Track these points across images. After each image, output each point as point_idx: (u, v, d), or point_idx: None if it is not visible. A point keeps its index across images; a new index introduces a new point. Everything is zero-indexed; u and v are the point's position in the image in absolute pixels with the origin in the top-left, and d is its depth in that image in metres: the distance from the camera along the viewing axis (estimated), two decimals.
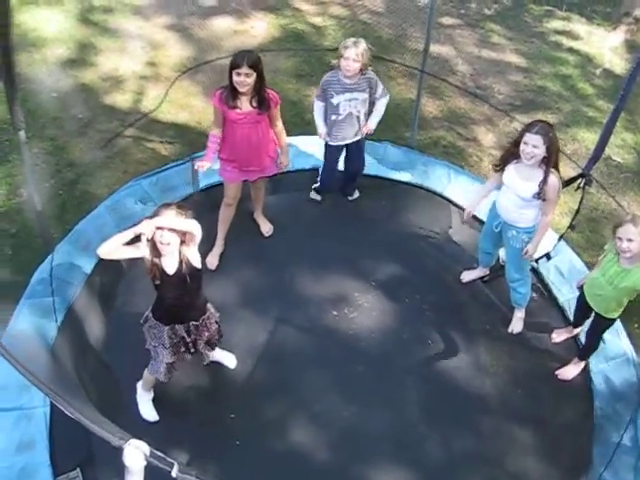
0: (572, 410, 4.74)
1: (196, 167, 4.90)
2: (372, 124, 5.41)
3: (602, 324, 4.58)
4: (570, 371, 4.88)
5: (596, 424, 4.66)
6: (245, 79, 4.51)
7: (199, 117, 6.61)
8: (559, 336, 5.09)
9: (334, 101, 5.20)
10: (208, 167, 4.88)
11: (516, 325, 5.15)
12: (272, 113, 4.82)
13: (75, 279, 5.10)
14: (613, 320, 4.54)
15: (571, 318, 5.13)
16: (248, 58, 4.48)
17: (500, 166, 4.66)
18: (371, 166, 6.15)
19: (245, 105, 4.68)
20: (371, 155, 6.19)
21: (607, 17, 8.66)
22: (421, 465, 4.41)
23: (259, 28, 7.80)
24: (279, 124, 4.98)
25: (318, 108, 5.37)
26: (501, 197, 4.74)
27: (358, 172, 5.83)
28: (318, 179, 5.86)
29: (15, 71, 3.77)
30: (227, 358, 4.71)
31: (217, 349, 4.60)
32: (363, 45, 5.02)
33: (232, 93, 4.63)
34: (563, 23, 8.53)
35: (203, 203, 5.63)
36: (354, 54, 4.97)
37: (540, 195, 4.44)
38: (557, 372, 4.89)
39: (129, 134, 6.36)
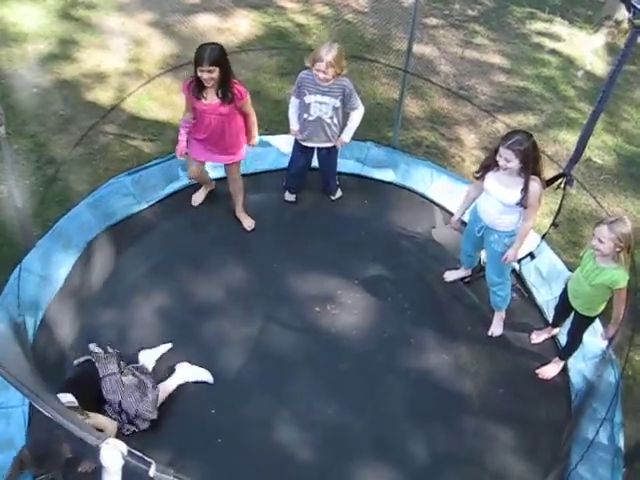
0: (551, 409, 4.77)
1: (178, 156, 5.13)
2: (346, 137, 5.39)
3: (581, 323, 4.62)
4: (550, 370, 4.92)
5: (575, 422, 4.69)
6: (209, 75, 4.59)
7: (182, 114, 6.57)
8: (538, 337, 5.13)
9: (306, 100, 5.20)
10: (184, 150, 5.11)
11: (496, 328, 5.17)
12: (240, 106, 4.90)
13: (55, 276, 5.07)
14: (591, 319, 4.58)
15: (549, 319, 5.17)
16: (209, 56, 4.53)
17: (480, 174, 4.67)
18: (354, 166, 6.16)
19: (211, 96, 4.78)
20: (354, 155, 6.21)
21: (589, 20, 8.74)
22: (402, 463, 4.42)
23: (242, 26, 7.78)
24: (250, 115, 5.07)
25: (293, 105, 5.37)
26: (482, 202, 4.74)
27: (328, 180, 5.84)
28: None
29: None
30: (203, 375, 4.66)
31: (189, 370, 4.61)
32: (334, 52, 4.91)
33: (198, 85, 4.73)
34: (545, 25, 8.59)
35: (188, 198, 5.66)
36: (325, 64, 4.90)
37: (522, 202, 4.46)
38: (537, 371, 4.93)
39: (111, 131, 6.33)
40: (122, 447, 1.67)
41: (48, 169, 5.79)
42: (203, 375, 4.64)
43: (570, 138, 6.81)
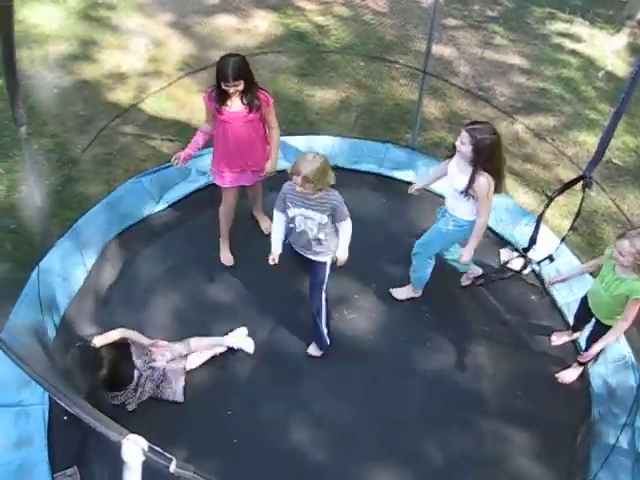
0: (570, 413, 4.73)
1: (174, 162, 4.92)
2: (342, 253, 4.47)
3: (602, 331, 4.57)
4: (569, 375, 4.88)
5: (594, 427, 4.66)
6: (235, 88, 4.50)
7: (201, 115, 6.57)
8: (559, 339, 5.09)
9: (289, 213, 4.41)
10: (186, 159, 4.91)
11: (399, 294, 5.25)
12: (265, 113, 4.75)
13: (74, 276, 5.10)
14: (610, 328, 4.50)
15: (570, 321, 5.13)
16: (233, 71, 4.41)
17: (451, 152, 4.63)
18: (372, 166, 6.15)
19: (235, 104, 4.64)
20: (372, 155, 6.20)
21: (610, 20, 8.67)
22: (419, 466, 4.41)
23: (261, 27, 7.80)
24: (274, 127, 4.87)
25: (276, 221, 4.53)
26: (446, 184, 4.75)
27: (311, 295, 4.69)
28: None
29: (17, 67, 3.76)
30: (247, 345, 4.84)
31: (234, 335, 4.81)
32: (313, 166, 4.07)
33: (221, 96, 4.59)
34: (566, 25, 8.53)
35: (206, 199, 5.66)
36: (300, 178, 4.09)
37: (467, 191, 4.42)
38: (557, 375, 4.89)
39: (130, 131, 6.37)
40: (143, 443, 1.68)
41: (68, 169, 5.83)
42: (246, 343, 4.84)
43: (590, 140, 6.75)
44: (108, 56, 7.17)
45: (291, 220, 4.44)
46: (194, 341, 4.70)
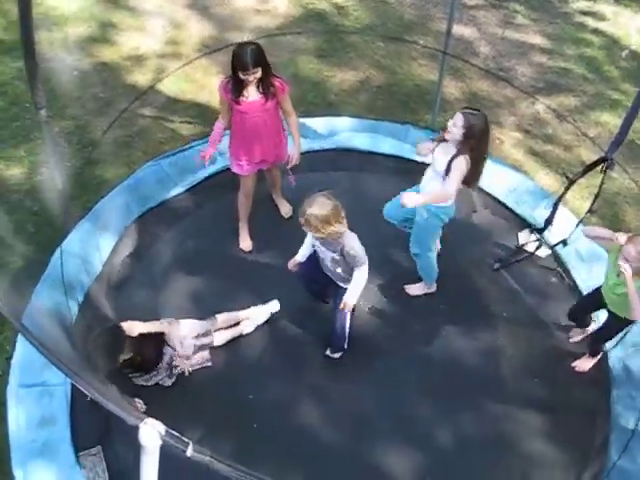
0: (589, 396, 4.72)
1: (197, 161, 4.96)
2: (349, 299, 4.26)
3: (613, 323, 4.52)
4: (586, 363, 4.84)
5: (613, 411, 4.64)
6: (253, 76, 4.45)
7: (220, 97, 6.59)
8: (575, 336, 5.05)
9: (308, 238, 4.43)
10: (210, 157, 4.91)
11: (413, 290, 5.24)
12: (283, 100, 4.72)
13: (95, 258, 5.15)
14: (624, 320, 4.41)
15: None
16: (251, 58, 4.36)
17: (442, 137, 4.57)
18: (393, 147, 6.12)
19: (252, 94, 4.60)
20: (393, 137, 6.16)
21: None
22: (437, 450, 4.43)
23: (280, 7, 7.75)
24: (292, 113, 4.84)
25: (309, 235, 4.38)
26: (427, 169, 4.69)
27: (338, 328, 4.61)
28: None
29: (36, 50, 3.77)
30: (273, 307, 4.97)
31: (258, 309, 4.93)
32: (319, 213, 3.88)
33: (238, 86, 4.55)
34: (589, 4, 8.37)
35: (225, 182, 5.67)
36: (303, 219, 3.95)
37: (447, 170, 4.39)
38: (574, 364, 4.86)
39: (149, 114, 6.38)
40: (160, 427, 1.70)
41: (88, 152, 5.86)
42: (273, 306, 4.96)
43: (613, 120, 6.65)
44: (127, 38, 7.17)
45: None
46: (221, 317, 4.78)
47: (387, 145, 6.13)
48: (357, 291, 4.27)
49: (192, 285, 5.14)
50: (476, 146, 4.34)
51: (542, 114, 6.78)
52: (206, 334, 4.66)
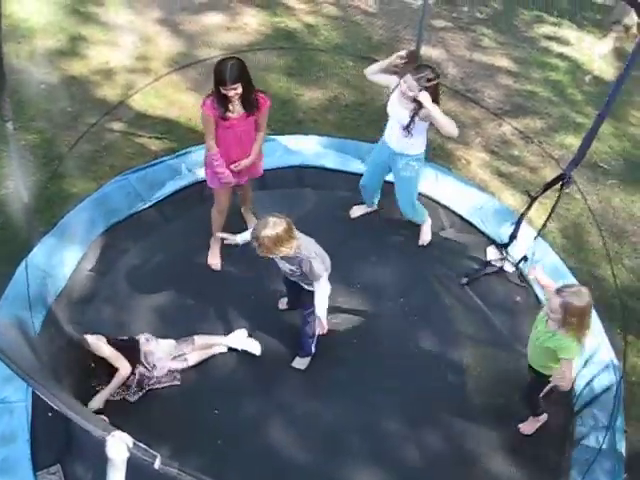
0: (553, 414, 4.75)
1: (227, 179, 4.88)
2: (320, 314, 4.31)
3: (535, 381, 4.38)
4: (532, 425, 4.67)
5: (577, 430, 4.70)
6: (234, 92, 4.45)
7: (189, 113, 6.59)
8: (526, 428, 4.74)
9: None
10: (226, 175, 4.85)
11: (426, 236, 5.61)
12: (260, 115, 4.74)
13: (60, 272, 5.08)
14: (545, 377, 4.24)
15: None
16: (231, 74, 4.36)
17: (399, 69, 4.89)
18: (359, 167, 6.15)
19: (237, 108, 4.61)
20: (357, 156, 6.21)
21: (597, 24, 8.72)
22: (402, 467, 4.44)
23: (251, 25, 7.79)
24: (263, 129, 4.86)
25: None
26: (388, 128, 5.01)
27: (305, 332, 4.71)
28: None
29: (4, 61, 3.74)
30: (253, 346, 4.85)
31: (239, 335, 4.85)
32: (269, 232, 3.89)
33: (222, 102, 4.54)
34: (554, 29, 8.57)
35: (194, 197, 5.68)
36: (257, 242, 3.95)
37: (415, 115, 4.69)
38: (519, 426, 4.69)
39: (118, 128, 6.34)
40: (128, 440, 1.68)
41: (55, 165, 5.80)
42: (252, 345, 4.85)
43: (576, 143, 6.74)
44: (96, 52, 7.13)
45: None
46: (199, 339, 4.73)
47: (354, 164, 6.17)
48: (323, 303, 4.30)
49: (158, 300, 5.10)
50: (434, 98, 4.61)
51: (508, 135, 6.90)
52: (181, 356, 4.63)
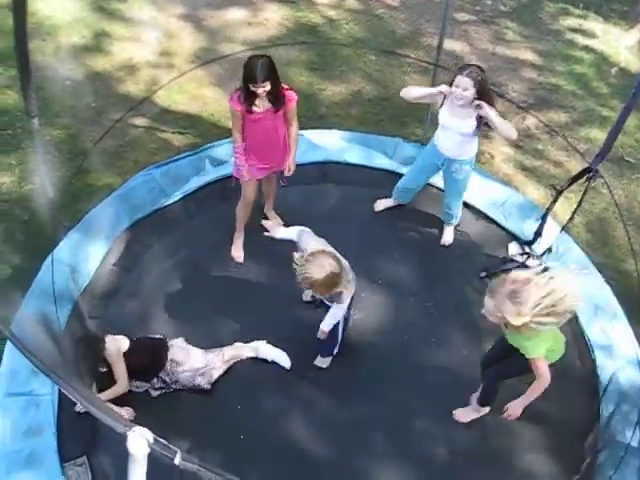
0: (579, 410, 4.72)
1: (244, 176, 4.95)
2: (325, 327, 4.42)
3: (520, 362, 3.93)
4: (467, 414, 4.58)
5: (603, 425, 4.65)
6: (263, 89, 4.48)
7: (212, 108, 6.63)
8: (465, 416, 4.62)
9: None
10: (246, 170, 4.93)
11: (448, 237, 5.61)
12: (288, 110, 4.77)
13: (85, 267, 5.13)
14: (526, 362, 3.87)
15: (579, 314, 5.09)
16: (261, 71, 4.38)
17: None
18: (382, 161, 6.14)
19: (263, 103, 4.64)
20: (382, 151, 6.20)
21: (624, 16, 8.58)
22: (426, 462, 4.43)
23: (273, 20, 7.79)
24: (294, 124, 4.89)
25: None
26: (441, 137, 5.03)
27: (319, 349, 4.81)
28: None
29: (29, 59, 3.78)
30: (282, 358, 4.79)
31: (269, 347, 4.78)
32: (319, 277, 3.86)
33: (250, 98, 4.57)
34: (579, 21, 8.46)
35: (217, 192, 5.72)
36: (308, 284, 3.97)
37: (480, 125, 4.78)
38: (454, 412, 4.61)
39: (141, 124, 6.39)
40: (148, 435, 1.70)
41: (79, 161, 5.86)
42: (281, 358, 4.78)
43: (602, 136, 6.66)
44: (120, 48, 7.18)
45: None
46: (228, 351, 4.69)
47: (377, 159, 6.16)
48: (332, 320, 4.36)
49: (182, 297, 5.13)
50: (486, 92, 4.69)
51: (532, 129, 6.84)
52: (207, 373, 4.55)
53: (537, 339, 3.65)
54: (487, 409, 4.51)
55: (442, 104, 4.90)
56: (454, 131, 4.87)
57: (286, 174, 5.00)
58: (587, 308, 5.18)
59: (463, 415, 4.60)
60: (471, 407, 4.58)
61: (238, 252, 5.40)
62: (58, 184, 4.97)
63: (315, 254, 3.90)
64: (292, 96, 4.73)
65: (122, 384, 4.37)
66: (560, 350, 3.98)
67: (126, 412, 4.34)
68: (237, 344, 4.77)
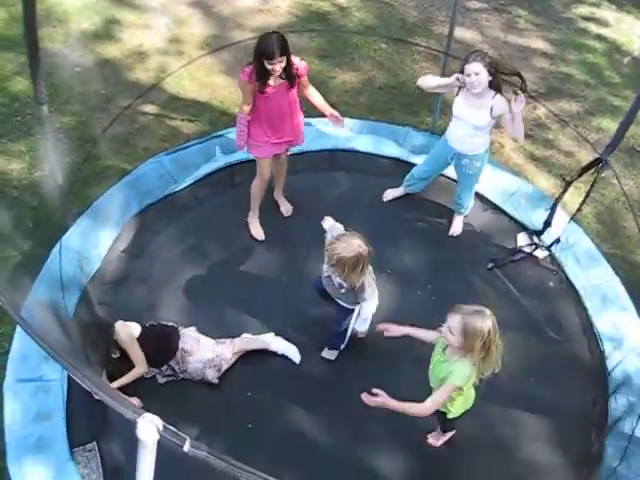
0: (586, 401, 4.72)
1: (241, 147, 5.02)
2: (360, 327, 4.48)
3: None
4: (439, 438, 4.45)
5: (610, 416, 4.64)
6: (280, 65, 4.48)
7: (221, 95, 6.61)
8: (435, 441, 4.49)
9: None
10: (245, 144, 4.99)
11: (457, 228, 5.58)
12: (301, 82, 4.81)
13: (94, 254, 5.15)
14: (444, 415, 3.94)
15: (587, 305, 5.13)
16: (277, 46, 4.38)
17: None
18: (392, 150, 6.12)
19: (276, 80, 4.65)
20: (392, 139, 6.17)
21: (637, 4, 8.50)
22: (430, 451, 4.43)
23: (283, 7, 7.75)
24: (311, 88, 4.94)
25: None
26: (453, 129, 5.00)
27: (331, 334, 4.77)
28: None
29: (39, 45, 3.77)
30: (292, 352, 4.78)
31: (281, 341, 4.76)
32: (338, 251, 3.85)
33: (263, 75, 4.57)
34: (592, 9, 8.39)
35: (226, 179, 5.73)
36: (333, 262, 3.91)
37: (493, 117, 4.74)
38: (428, 436, 4.48)
39: (151, 111, 6.39)
40: (158, 422, 1.70)
41: (89, 147, 5.86)
42: (291, 352, 4.76)
43: (613, 126, 6.61)
44: (130, 35, 7.17)
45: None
46: (239, 344, 4.68)
47: (387, 147, 6.14)
48: (362, 325, 4.41)
49: (191, 283, 5.14)
50: (498, 77, 4.61)
51: (543, 119, 6.79)
52: (217, 365, 4.53)
53: (468, 366, 3.52)
54: (453, 431, 4.38)
55: (457, 93, 4.86)
56: (467, 122, 4.82)
57: (339, 119, 5.06)
58: (596, 299, 5.17)
59: (434, 440, 4.50)
60: (436, 432, 4.45)
61: (258, 230, 5.43)
62: (67, 171, 4.98)
63: (346, 234, 4.00)
64: (303, 70, 4.75)
65: (141, 366, 4.42)
66: (467, 407, 3.96)
67: (135, 401, 4.36)
68: (247, 336, 4.76)
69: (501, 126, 5.22)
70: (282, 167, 5.43)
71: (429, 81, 4.96)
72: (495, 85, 4.63)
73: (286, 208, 5.60)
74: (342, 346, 4.74)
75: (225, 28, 7.37)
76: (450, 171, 5.55)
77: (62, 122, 6.12)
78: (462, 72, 4.63)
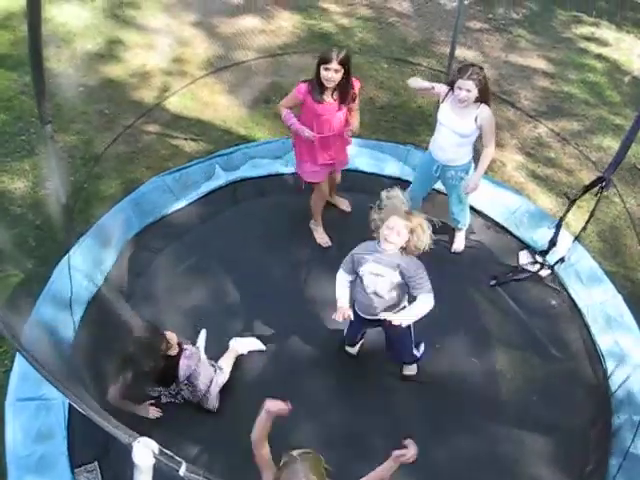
0: (589, 418, 4.70)
1: (308, 135, 4.82)
2: (404, 321, 3.95)
3: None
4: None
5: (613, 432, 4.62)
6: (333, 75, 4.52)
7: (224, 115, 6.65)
8: None
9: (360, 270, 4.01)
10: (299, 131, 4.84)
11: (459, 244, 5.63)
12: (352, 106, 4.87)
13: (96, 272, 5.16)
14: None
15: (590, 323, 5.12)
16: (338, 54, 4.47)
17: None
18: (393, 168, 6.14)
19: (327, 98, 4.70)
20: (394, 158, 6.19)
21: (637, 23, 8.56)
22: (433, 470, 4.39)
23: (286, 28, 7.82)
24: (357, 110, 4.96)
25: (341, 279, 4.14)
26: (437, 137, 5.01)
27: (397, 351, 4.63)
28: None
29: (44, 65, 3.81)
30: (254, 344, 4.83)
31: (241, 340, 4.80)
32: (406, 225, 3.80)
33: (319, 88, 4.63)
34: (592, 29, 8.44)
35: (228, 197, 5.81)
36: (394, 235, 3.82)
37: (477, 126, 4.78)
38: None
39: (154, 130, 6.42)
40: (154, 446, 1.70)
41: (92, 166, 5.90)
42: (254, 344, 4.80)
43: (614, 145, 6.66)
44: (133, 55, 7.23)
45: (359, 282, 4.06)
46: (224, 363, 4.65)
47: (389, 166, 6.15)
48: (413, 317, 4.01)
49: (194, 300, 5.14)
50: (487, 91, 4.72)
51: (544, 138, 6.82)
52: (212, 391, 4.49)
53: None
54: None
55: (443, 99, 4.88)
56: (451, 130, 4.83)
57: (349, 132, 4.96)
58: (599, 317, 5.16)
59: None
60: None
61: (324, 237, 5.56)
62: (71, 189, 5.01)
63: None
64: (356, 84, 4.80)
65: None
66: None
67: (155, 410, 4.36)
68: (222, 357, 4.70)
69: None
70: (334, 181, 5.57)
71: (415, 82, 5.01)
72: (482, 98, 4.70)
73: (346, 204, 5.82)
74: (419, 354, 4.65)
75: (228, 48, 7.43)
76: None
77: (66, 141, 6.16)
78: (452, 83, 4.70)
